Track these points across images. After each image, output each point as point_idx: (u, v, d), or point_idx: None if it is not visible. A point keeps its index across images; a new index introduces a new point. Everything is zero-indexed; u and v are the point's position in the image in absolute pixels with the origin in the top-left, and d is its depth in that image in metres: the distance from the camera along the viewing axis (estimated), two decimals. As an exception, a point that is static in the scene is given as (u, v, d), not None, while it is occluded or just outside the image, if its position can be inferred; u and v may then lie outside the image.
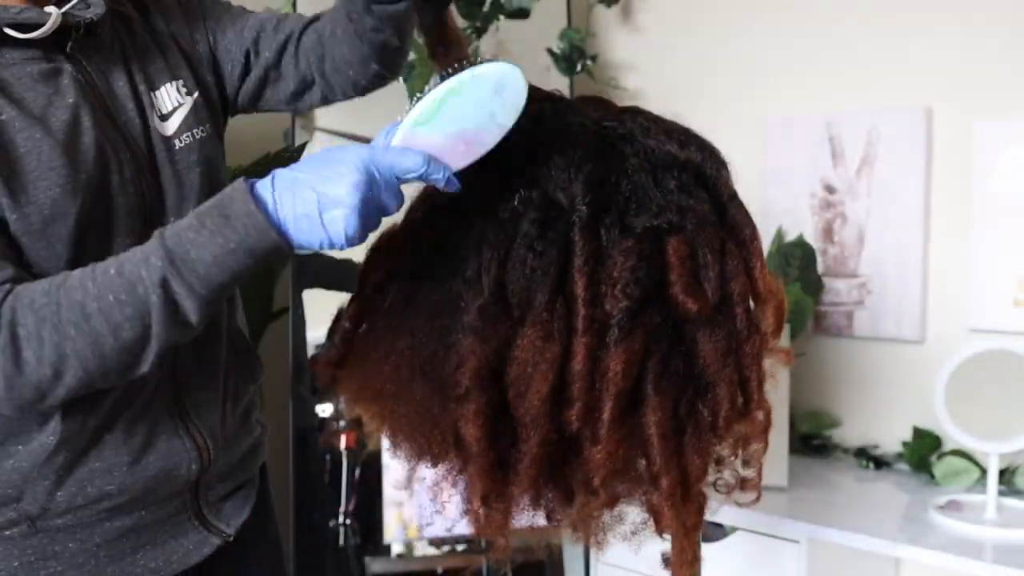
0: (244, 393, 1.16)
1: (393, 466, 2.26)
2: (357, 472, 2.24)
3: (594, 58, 2.34)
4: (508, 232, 0.89)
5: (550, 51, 2.31)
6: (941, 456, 1.98)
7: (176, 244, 0.84)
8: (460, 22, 2.26)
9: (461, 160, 0.87)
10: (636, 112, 0.97)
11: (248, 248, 0.83)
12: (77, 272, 0.86)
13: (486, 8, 2.25)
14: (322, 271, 2.15)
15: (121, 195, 0.96)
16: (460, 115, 0.84)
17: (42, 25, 0.92)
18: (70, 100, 0.94)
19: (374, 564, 2.25)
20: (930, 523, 1.75)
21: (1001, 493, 1.82)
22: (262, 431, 1.22)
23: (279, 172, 0.85)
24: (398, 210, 0.86)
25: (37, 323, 0.84)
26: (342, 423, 2.17)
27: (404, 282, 0.96)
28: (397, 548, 2.33)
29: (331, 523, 2.20)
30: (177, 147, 1.03)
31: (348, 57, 1.11)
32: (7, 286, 0.86)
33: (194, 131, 1.05)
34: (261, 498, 1.21)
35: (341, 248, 0.85)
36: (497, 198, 0.91)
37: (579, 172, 0.89)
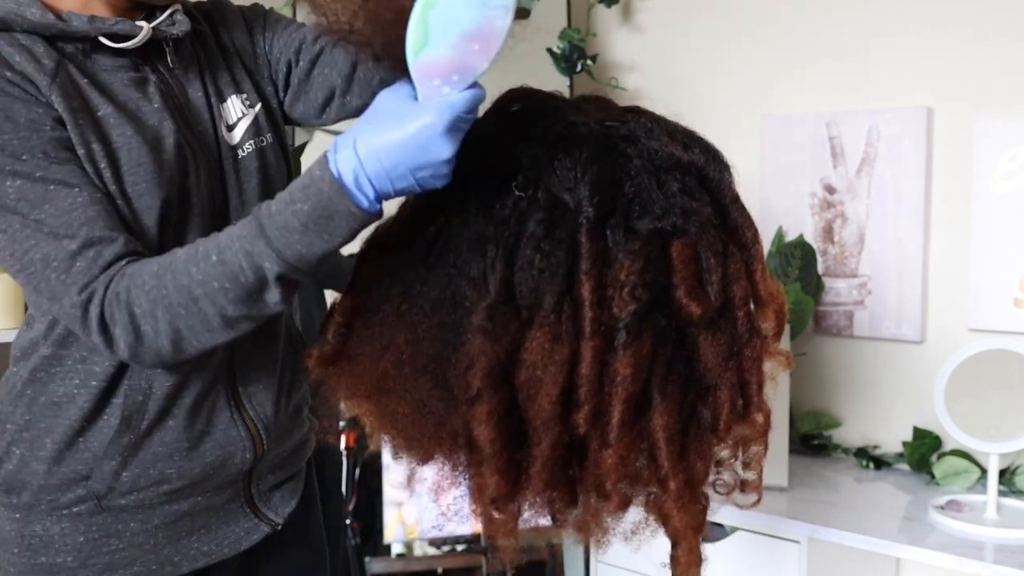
0: (297, 388, 1.20)
1: (393, 466, 2.26)
2: (357, 472, 2.24)
3: (594, 58, 2.34)
4: (511, 230, 0.88)
5: (550, 51, 2.30)
6: (941, 456, 1.98)
7: (266, 219, 0.89)
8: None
9: (484, 59, 0.84)
10: (639, 112, 0.97)
11: (347, 239, 0.89)
12: (181, 254, 0.92)
13: (486, 8, 2.25)
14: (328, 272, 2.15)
15: (196, 195, 1.03)
16: (451, 20, 0.82)
17: (134, 36, 1.01)
18: (156, 106, 1.02)
19: (374, 564, 2.25)
20: (930, 523, 1.75)
21: (1001, 493, 1.82)
22: (310, 427, 1.26)
23: (361, 154, 0.86)
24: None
25: (151, 304, 0.91)
26: (342, 423, 2.17)
27: (400, 278, 0.95)
28: (397, 548, 2.33)
29: (331, 523, 2.20)
30: (240, 156, 1.10)
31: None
32: (122, 263, 0.93)
33: (255, 140, 1.11)
34: (307, 492, 1.25)
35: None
36: (495, 194, 0.91)
37: (585, 173, 0.89)
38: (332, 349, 1.00)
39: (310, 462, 1.28)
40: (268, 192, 1.11)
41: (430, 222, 0.95)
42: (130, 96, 1.01)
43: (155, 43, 1.05)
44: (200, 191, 1.04)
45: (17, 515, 1.07)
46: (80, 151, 0.95)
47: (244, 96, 1.13)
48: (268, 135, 1.14)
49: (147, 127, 1.00)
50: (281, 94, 1.18)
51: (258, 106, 1.14)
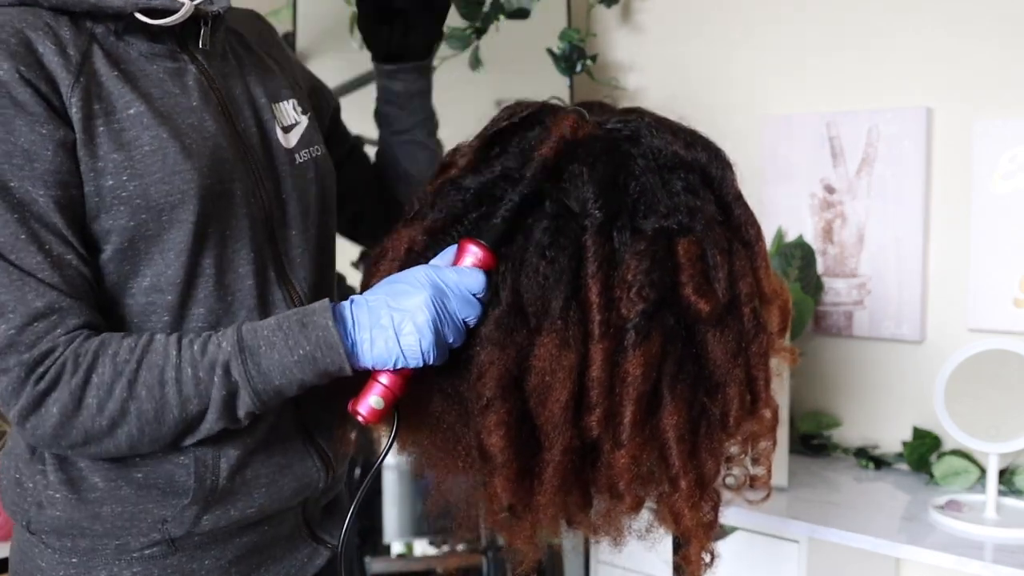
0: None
1: (393, 466, 2.25)
2: (357, 472, 2.24)
3: (594, 58, 2.34)
4: (520, 242, 0.89)
5: (550, 51, 2.30)
6: (941, 456, 1.98)
7: (251, 335, 0.88)
8: (460, 22, 2.26)
9: None
10: (640, 113, 0.97)
11: (313, 359, 0.87)
12: (161, 337, 0.89)
13: (486, 8, 2.25)
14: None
15: (243, 205, 0.97)
16: None
17: (173, 12, 0.92)
18: (195, 103, 0.95)
19: (374, 564, 2.25)
20: (930, 523, 1.75)
21: (1001, 493, 1.82)
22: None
23: (356, 297, 0.90)
24: (475, 322, 0.88)
25: (113, 376, 0.86)
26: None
27: None
28: (397, 548, 2.33)
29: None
30: (297, 161, 1.05)
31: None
32: (86, 331, 0.87)
33: (311, 149, 1.08)
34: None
35: (418, 365, 0.87)
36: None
37: (589, 176, 0.89)
38: None
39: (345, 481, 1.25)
40: (326, 207, 1.08)
41: (438, 234, 0.95)
42: (167, 91, 0.93)
43: (191, 26, 0.97)
44: (248, 200, 0.97)
45: (75, 559, 0.97)
46: (89, 171, 0.87)
47: (296, 102, 1.09)
48: (320, 147, 1.10)
49: (185, 128, 0.92)
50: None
51: (310, 114, 1.10)
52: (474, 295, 0.87)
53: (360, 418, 0.90)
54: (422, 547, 2.33)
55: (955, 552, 1.61)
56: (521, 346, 0.87)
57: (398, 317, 0.86)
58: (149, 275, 0.92)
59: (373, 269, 0.97)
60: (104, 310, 0.92)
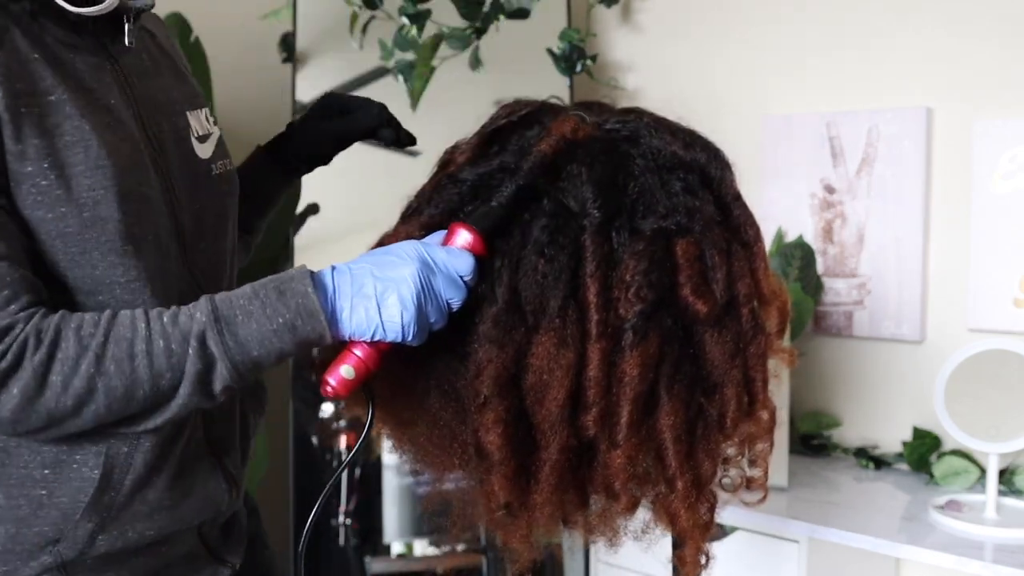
0: (256, 426, 1.13)
1: (393, 466, 2.25)
2: (357, 472, 2.24)
3: (594, 58, 2.34)
4: (517, 239, 0.88)
5: (550, 51, 2.30)
6: (941, 456, 1.98)
7: (225, 305, 0.84)
8: (460, 22, 2.26)
9: None
10: (639, 113, 0.97)
11: (292, 327, 0.83)
12: (126, 311, 0.84)
13: (486, 8, 2.25)
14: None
15: (158, 212, 0.92)
16: None
17: (98, 3, 0.87)
18: (112, 101, 0.90)
19: (374, 564, 2.25)
20: (930, 523, 1.75)
21: (1001, 493, 1.82)
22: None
23: (338, 264, 0.86)
24: (459, 305, 0.86)
25: (78, 351, 0.80)
26: (342, 423, 2.17)
27: None
28: (397, 548, 2.33)
29: (331, 523, 2.20)
30: (213, 172, 1.02)
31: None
32: (44, 308, 0.81)
33: (224, 162, 1.04)
34: (253, 526, 1.18)
35: (396, 340, 0.85)
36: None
37: (588, 176, 0.89)
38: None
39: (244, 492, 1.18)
40: (235, 221, 1.06)
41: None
42: (87, 84, 0.87)
43: (110, 21, 0.91)
44: (160, 206, 0.92)
45: None
46: (9, 154, 0.81)
47: (207, 111, 1.05)
48: (229, 160, 1.05)
49: (105, 124, 0.87)
50: None
51: (218, 126, 1.06)
52: (461, 277, 0.85)
53: (329, 388, 0.86)
54: (422, 547, 2.33)
55: (955, 552, 1.61)
56: (519, 344, 0.87)
57: (381, 287, 0.83)
58: (72, 276, 0.86)
59: None
60: None
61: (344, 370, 0.87)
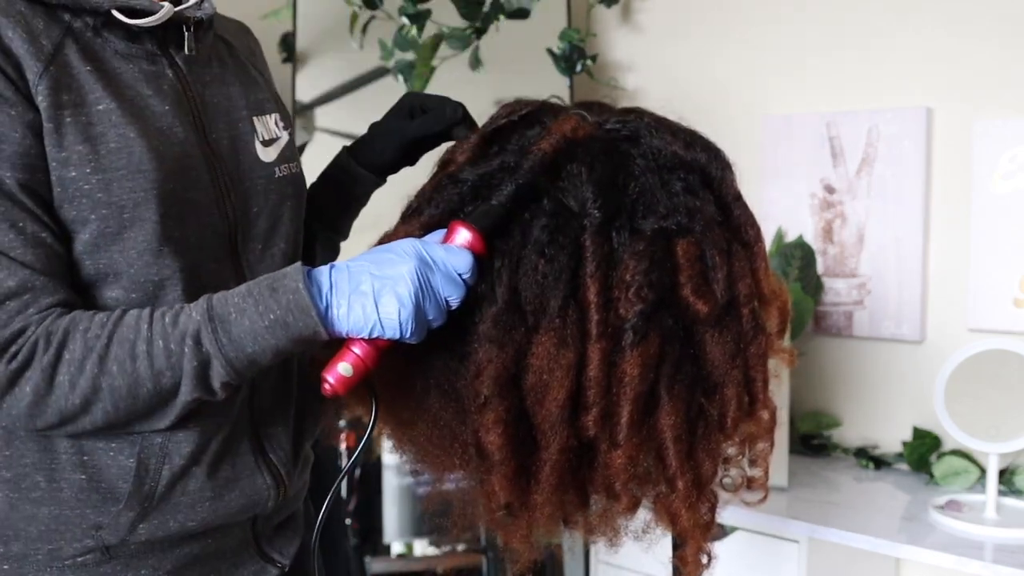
0: (315, 425, 1.13)
1: (393, 466, 2.25)
2: (357, 472, 2.24)
3: (594, 58, 2.34)
4: (517, 239, 0.88)
5: (550, 51, 2.30)
6: (941, 456, 1.98)
7: (220, 304, 0.86)
8: (460, 22, 2.26)
9: None
10: (640, 113, 0.97)
11: (285, 324, 0.84)
12: (135, 311, 0.87)
13: (486, 8, 2.25)
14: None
15: (207, 215, 0.95)
16: None
17: (153, 14, 0.91)
18: (167, 107, 0.93)
19: (374, 564, 2.25)
20: (930, 523, 1.75)
21: (1001, 493, 1.83)
22: (312, 460, 1.20)
23: (337, 262, 0.87)
24: (458, 303, 0.87)
25: (84, 352, 0.84)
26: (342, 423, 2.16)
27: None
28: (397, 548, 2.33)
29: (332, 523, 2.20)
30: (276, 175, 1.04)
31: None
32: (59, 309, 0.86)
33: (290, 165, 1.06)
34: (306, 528, 1.18)
35: (394, 337, 0.85)
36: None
37: (588, 176, 0.88)
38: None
39: (307, 497, 1.20)
40: (297, 226, 1.07)
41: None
42: (139, 92, 0.92)
43: (174, 30, 0.96)
44: (211, 209, 0.96)
45: (5, 567, 0.94)
46: (53, 160, 0.86)
47: (279, 116, 1.08)
48: (298, 164, 1.08)
49: (153, 130, 0.91)
50: None
51: (290, 130, 1.09)
52: (460, 275, 0.85)
53: (328, 385, 0.87)
54: (422, 547, 2.33)
55: (955, 552, 1.61)
56: (519, 345, 0.86)
57: (379, 284, 0.84)
58: (112, 273, 0.90)
59: None
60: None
61: (342, 367, 0.86)
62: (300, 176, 1.09)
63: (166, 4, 0.93)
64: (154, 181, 0.89)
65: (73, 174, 0.87)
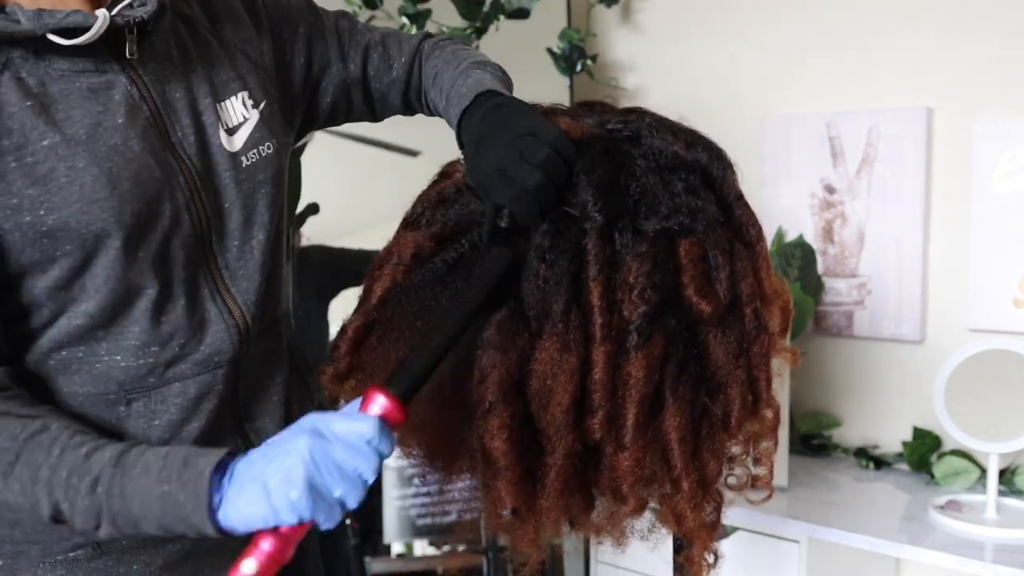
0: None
1: (393, 466, 2.25)
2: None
3: (594, 58, 2.34)
4: (521, 246, 0.88)
5: (550, 51, 2.30)
6: (941, 456, 1.98)
7: (136, 454, 0.82)
8: (460, 22, 2.26)
9: None
10: (641, 113, 0.96)
11: (175, 502, 0.80)
12: (54, 428, 0.84)
13: (486, 8, 2.25)
14: (322, 264, 2.14)
15: (174, 223, 0.92)
16: None
17: (88, 29, 0.86)
18: (120, 120, 0.89)
19: (374, 564, 2.25)
20: (930, 523, 1.75)
21: (1001, 493, 1.83)
22: None
23: (251, 452, 0.82)
24: (372, 475, 0.80)
25: None
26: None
27: (416, 294, 0.93)
28: (397, 548, 2.33)
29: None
30: (244, 164, 0.99)
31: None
32: None
33: (260, 148, 1.01)
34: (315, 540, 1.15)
35: (297, 521, 0.78)
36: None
37: (588, 178, 0.88)
38: (346, 365, 0.96)
39: None
40: (276, 208, 1.03)
41: (452, 247, 0.93)
42: (87, 111, 0.88)
43: (120, 33, 0.90)
44: (180, 219, 0.92)
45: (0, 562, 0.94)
46: (6, 208, 0.83)
47: (247, 94, 1.02)
48: (273, 141, 1.03)
49: (104, 152, 0.87)
50: (307, 100, 1.11)
51: (262, 105, 1.03)
52: (369, 443, 0.78)
53: None
54: (422, 547, 2.33)
55: (955, 552, 1.61)
56: (523, 350, 0.86)
57: (271, 470, 0.77)
58: (83, 301, 0.89)
59: (376, 273, 0.95)
60: (26, 348, 0.90)
61: (246, 565, 0.77)
62: (275, 155, 1.03)
63: (100, 14, 0.87)
64: (111, 208, 0.87)
65: (28, 219, 0.84)
